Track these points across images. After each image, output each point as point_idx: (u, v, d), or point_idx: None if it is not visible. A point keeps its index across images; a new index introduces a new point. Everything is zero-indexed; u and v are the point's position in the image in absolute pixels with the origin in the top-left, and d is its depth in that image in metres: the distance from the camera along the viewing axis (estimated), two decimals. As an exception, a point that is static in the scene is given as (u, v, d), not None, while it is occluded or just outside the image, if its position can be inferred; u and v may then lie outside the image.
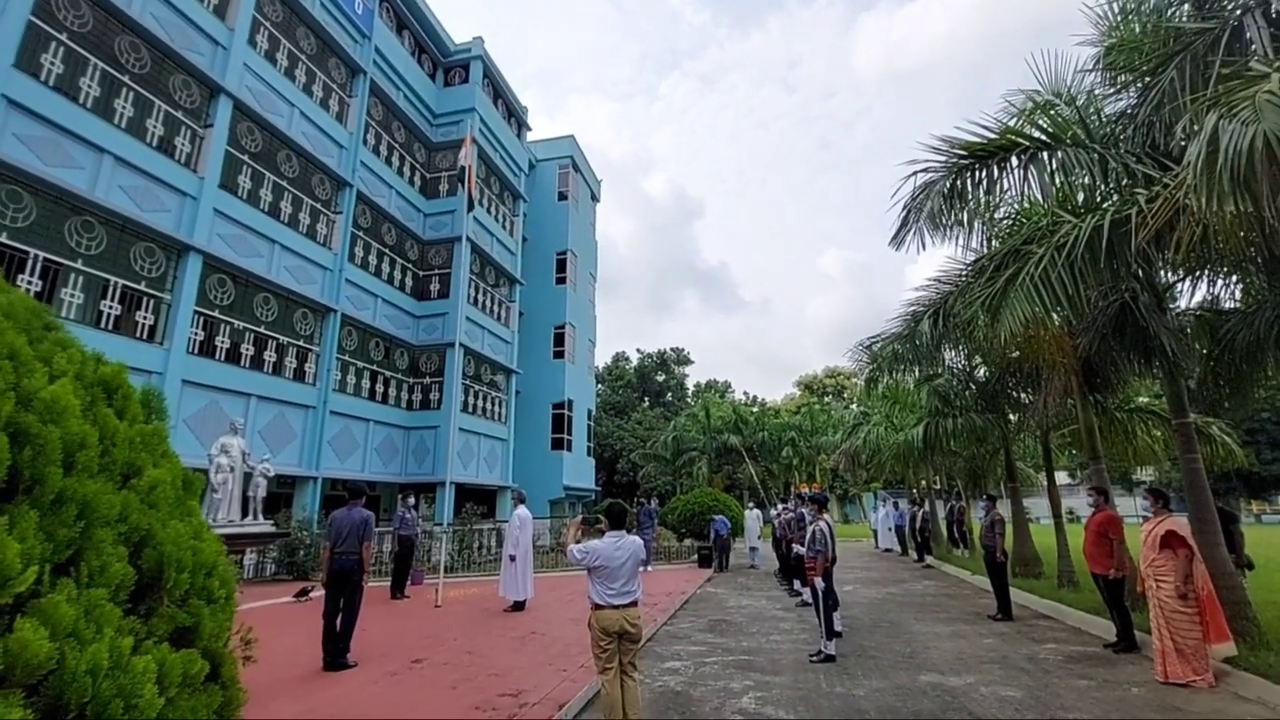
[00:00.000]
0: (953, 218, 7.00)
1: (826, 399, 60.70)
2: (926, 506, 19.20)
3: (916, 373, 11.11)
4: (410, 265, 21.97)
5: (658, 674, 6.56)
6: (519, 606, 9.78)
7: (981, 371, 13.37)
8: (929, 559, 17.94)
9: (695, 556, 17.27)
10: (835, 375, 64.18)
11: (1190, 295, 7.83)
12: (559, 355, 28.63)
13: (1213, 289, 7.75)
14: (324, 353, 17.50)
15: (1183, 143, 3.88)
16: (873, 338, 11.11)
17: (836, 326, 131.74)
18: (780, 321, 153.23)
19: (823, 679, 6.35)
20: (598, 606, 4.57)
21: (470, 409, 22.13)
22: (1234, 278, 7.69)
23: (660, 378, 63.03)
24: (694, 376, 66.80)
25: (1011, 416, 12.60)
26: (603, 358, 58.90)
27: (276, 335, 16.23)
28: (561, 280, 29.69)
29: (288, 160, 17.19)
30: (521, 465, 25.36)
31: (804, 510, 12.26)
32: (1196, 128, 3.80)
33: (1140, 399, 13.97)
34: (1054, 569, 11.70)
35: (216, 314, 14.73)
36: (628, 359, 64.08)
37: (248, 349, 15.41)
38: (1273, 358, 5.52)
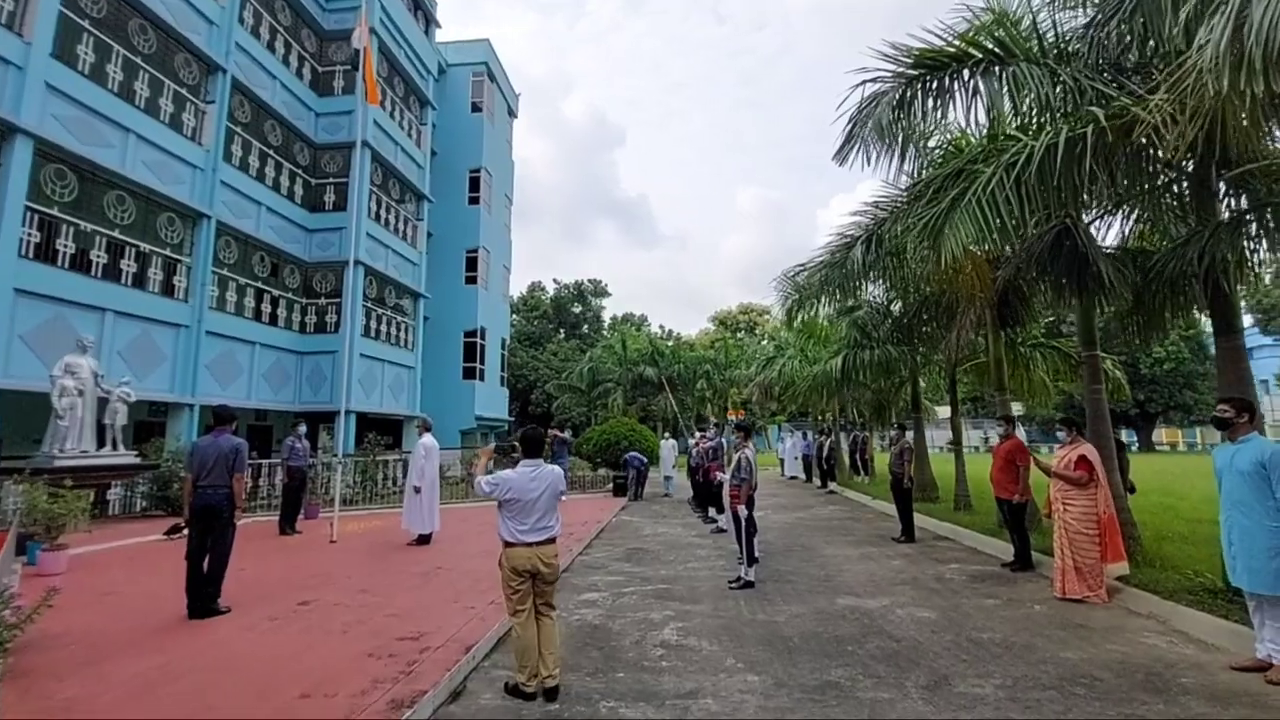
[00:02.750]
0: (900, 132, 6.61)
1: (740, 334, 61.96)
2: (833, 437, 19.97)
3: (840, 300, 11.00)
4: (300, 171, 19.60)
5: (574, 606, 6.22)
6: (424, 540, 9.16)
7: (897, 306, 13.57)
8: (832, 485, 18.78)
9: (610, 486, 17.20)
10: (749, 311, 65.46)
11: (1104, 234, 7.93)
12: (471, 280, 27.07)
13: (1125, 226, 7.88)
14: (197, 265, 15.41)
15: (1179, 44, 3.59)
16: (800, 266, 10.86)
17: (750, 264, 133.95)
18: (696, 257, 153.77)
19: (743, 606, 6.23)
20: (508, 544, 4.03)
21: (373, 334, 20.56)
22: (1144, 216, 7.83)
23: (577, 309, 62.01)
24: (610, 309, 66.23)
25: (921, 350, 12.91)
26: (517, 287, 57.08)
27: (136, 242, 14.04)
28: (475, 200, 27.73)
29: (142, 32, 14.46)
30: (431, 395, 24.15)
31: (723, 439, 12.24)
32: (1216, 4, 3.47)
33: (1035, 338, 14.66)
34: (950, 494, 12.35)
35: (56, 212, 12.45)
36: (544, 289, 62.44)
37: (99, 256, 13.23)
38: (1201, 288, 5.57)
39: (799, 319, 13.27)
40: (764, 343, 52.86)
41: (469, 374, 26.25)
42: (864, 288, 9.51)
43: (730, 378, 34.50)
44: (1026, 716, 3.73)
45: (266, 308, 17.98)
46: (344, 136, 19.91)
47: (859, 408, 19.21)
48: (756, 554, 8.02)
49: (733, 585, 6.95)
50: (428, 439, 9.54)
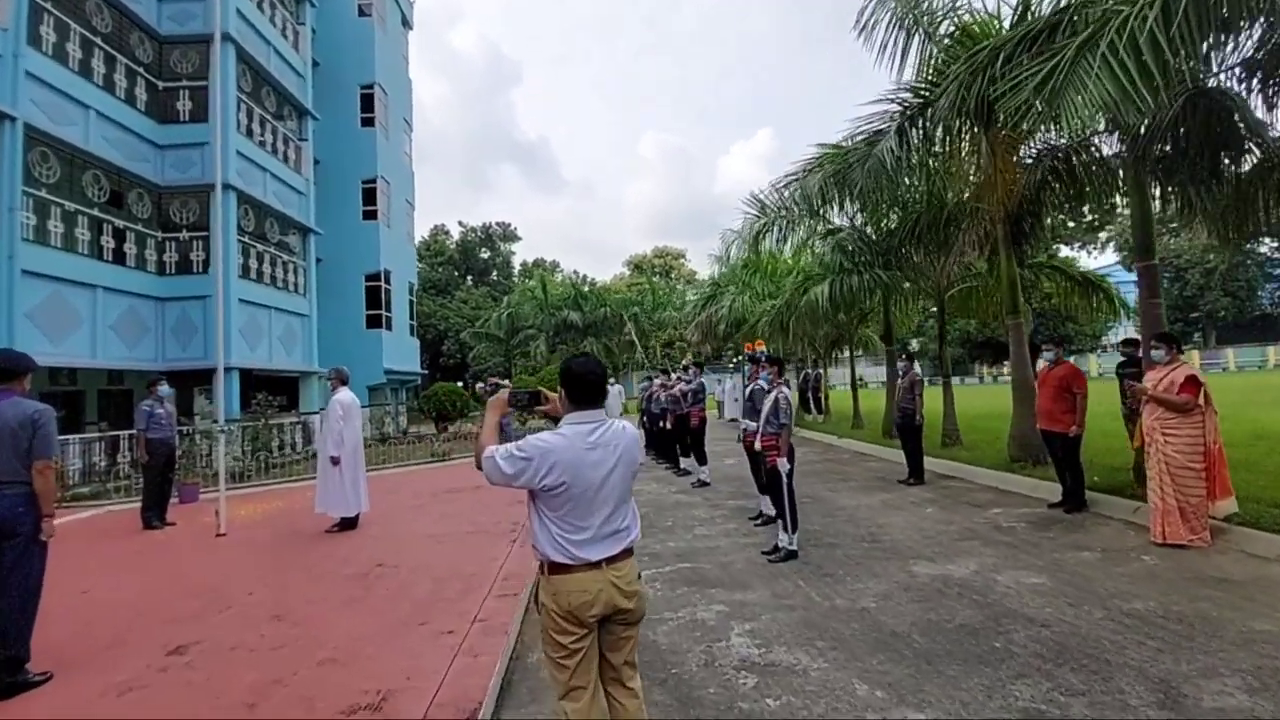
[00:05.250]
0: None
1: (655, 278, 60.89)
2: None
3: (822, 217, 9.63)
4: (142, 70, 15.57)
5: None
6: (348, 525, 7.10)
7: (869, 230, 12.46)
8: (784, 426, 17.98)
9: (553, 439, 15.44)
10: (664, 255, 64.49)
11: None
12: (370, 216, 23.63)
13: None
14: (1, 184, 11.73)
15: None
16: (789, 176, 9.32)
17: (655, 211, 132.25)
18: (602, 203, 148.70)
19: (805, 586, 4.81)
20: (557, 568, 2.16)
21: (254, 275, 17.20)
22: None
23: (485, 254, 58.34)
24: (519, 256, 62.98)
25: (905, 273, 11.91)
26: (418, 232, 52.61)
27: (-101, 147, 10.31)
28: (369, 122, 23.95)
29: None
30: (330, 347, 20.98)
31: (702, 380, 10.65)
32: None
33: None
34: (934, 429, 11.58)
35: None
36: (448, 233, 58.09)
37: None
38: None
39: (766, 245, 12.07)
40: (680, 286, 52.08)
41: (374, 322, 23.20)
42: (897, 186, 8.01)
43: (659, 320, 33.20)
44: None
45: (109, 242, 14.32)
46: (198, 28, 15.95)
47: (814, 344, 18.33)
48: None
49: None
50: (344, 394, 7.33)
